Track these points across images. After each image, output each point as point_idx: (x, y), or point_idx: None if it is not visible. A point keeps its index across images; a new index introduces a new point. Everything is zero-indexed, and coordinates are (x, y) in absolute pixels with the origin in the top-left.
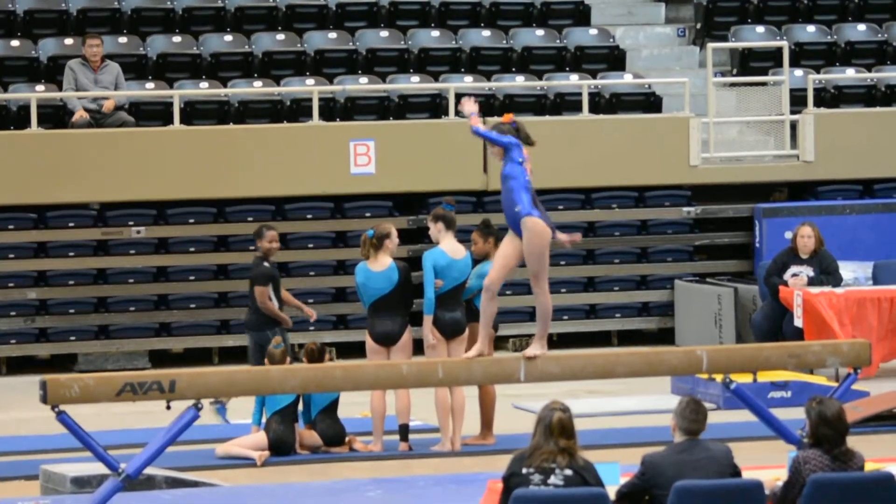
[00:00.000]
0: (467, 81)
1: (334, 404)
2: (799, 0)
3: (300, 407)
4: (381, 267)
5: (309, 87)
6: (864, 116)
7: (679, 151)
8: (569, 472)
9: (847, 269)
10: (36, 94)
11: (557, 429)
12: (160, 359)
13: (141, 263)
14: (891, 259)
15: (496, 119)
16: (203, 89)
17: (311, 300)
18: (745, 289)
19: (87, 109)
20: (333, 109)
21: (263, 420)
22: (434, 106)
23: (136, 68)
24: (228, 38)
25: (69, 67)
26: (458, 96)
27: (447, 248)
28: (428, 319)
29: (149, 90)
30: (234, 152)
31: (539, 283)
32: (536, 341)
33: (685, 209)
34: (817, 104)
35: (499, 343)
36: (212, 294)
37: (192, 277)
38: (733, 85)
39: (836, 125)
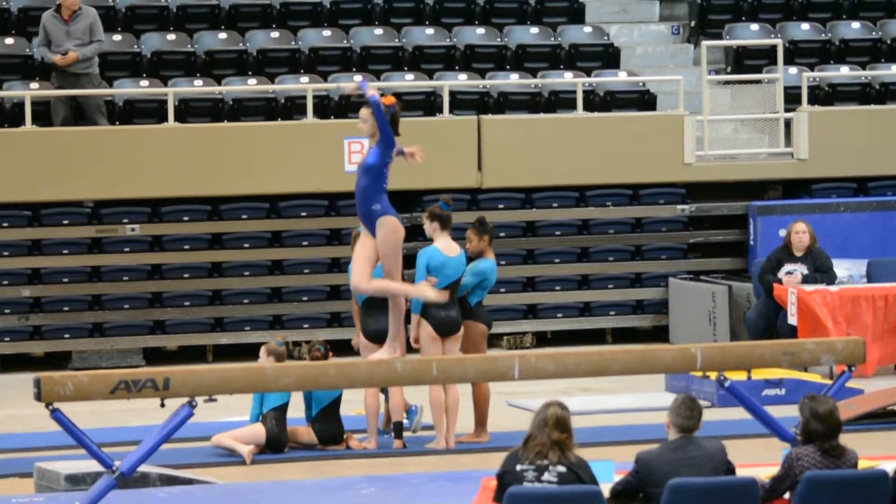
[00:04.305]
0: (461, 79)
1: (335, 404)
2: None
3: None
4: None
5: (303, 84)
6: (859, 114)
7: (673, 149)
8: (563, 469)
9: (841, 267)
10: (30, 91)
11: (552, 421)
12: (154, 356)
13: (135, 261)
14: (885, 257)
15: (491, 117)
16: (197, 87)
17: (305, 298)
18: (739, 286)
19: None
20: (328, 107)
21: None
22: (428, 104)
23: (130, 66)
24: (223, 35)
25: (42, 22)
26: (453, 94)
27: (441, 246)
28: (415, 319)
29: (143, 88)
30: (229, 150)
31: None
32: (389, 344)
33: (679, 207)
34: (811, 102)
35: (493, 341)
36: (206, 292)
37: (186, 275)
38: (728, 83)
39: (831, 123)
